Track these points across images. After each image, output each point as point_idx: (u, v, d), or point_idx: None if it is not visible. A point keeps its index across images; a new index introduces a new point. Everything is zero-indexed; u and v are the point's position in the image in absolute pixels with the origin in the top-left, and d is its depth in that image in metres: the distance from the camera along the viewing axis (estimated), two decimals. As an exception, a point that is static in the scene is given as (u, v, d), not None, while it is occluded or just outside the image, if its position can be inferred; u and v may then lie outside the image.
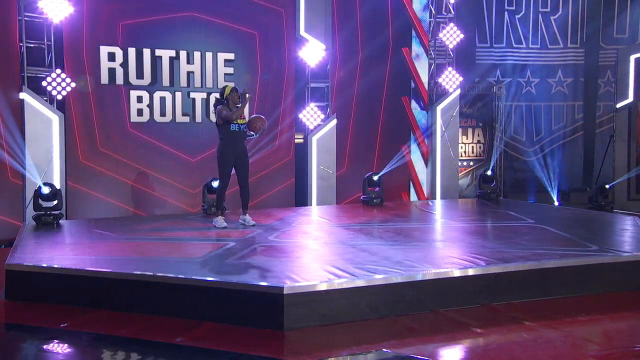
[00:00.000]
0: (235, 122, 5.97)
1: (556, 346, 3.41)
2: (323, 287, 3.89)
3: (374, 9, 9.24)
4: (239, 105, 6.04)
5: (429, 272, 4.18)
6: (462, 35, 9.36)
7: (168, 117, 7.97)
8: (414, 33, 9.59)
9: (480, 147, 11.00)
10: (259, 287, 3.91)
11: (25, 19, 7.15)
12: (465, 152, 10.92)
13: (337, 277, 4.00)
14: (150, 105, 7.87)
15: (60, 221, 6.60)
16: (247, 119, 6.25)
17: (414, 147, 9.84)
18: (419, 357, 3.32)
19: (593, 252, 4.74)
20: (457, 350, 3.50)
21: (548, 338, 3.54)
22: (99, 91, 7.66)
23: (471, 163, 10.94)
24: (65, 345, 3.81)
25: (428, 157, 9.70)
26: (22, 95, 7.07)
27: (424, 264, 4.38)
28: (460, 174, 10.44)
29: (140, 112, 7.82)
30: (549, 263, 4.38)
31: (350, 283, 3.96)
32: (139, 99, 7.81)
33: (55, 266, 4.56)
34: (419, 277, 4.12)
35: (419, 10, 9.64)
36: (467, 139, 10.94)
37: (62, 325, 3.94)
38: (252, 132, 6.20)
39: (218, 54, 8.21)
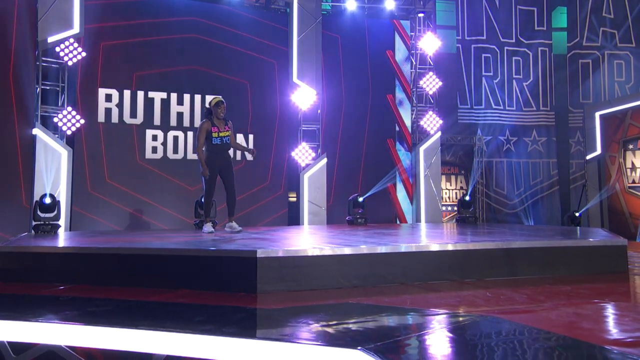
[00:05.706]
0: (217, 137, 5.83)
1: (515, 300, 3.30)
2: (296, 253, 3.78)
3: (361, 60, 9.71)
4: (225, 125, 5.92)
5: (401, 246, 4.08)
6: (440, 83, 9.71)
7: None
8: (397, 82, 9.98)
9: (463, 193, 11.03)
10: (233, 252, 3.79)
11: (43, 64, 7.52)
12: (449, 197, 10.93)
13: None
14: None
15: (58, 231, 6.53)
16: (231, 135, 5.98)
17: (399, 186, 9.89)
18: (380, 305, 3.17)
19: (558, 239, 4.65)
20: (424, 300, 3.35)
21: (509, 296, 3.42)
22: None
23: (455, 208, 10.92)
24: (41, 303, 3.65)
25: (413, 195, 9.71)
26: (35, 131, 7.26)
27: (398, 243, 4.29)
28: (444, 218, 10.38)
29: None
30: (516, 243, 4.26)
31: (323, 251, 3.84)
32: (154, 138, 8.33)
33: (31, 245, 4.45)
34: (391, 250, 4.00)
35: (401, 61, 10.10)
36: (450, 185, 11.00)
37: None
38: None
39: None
